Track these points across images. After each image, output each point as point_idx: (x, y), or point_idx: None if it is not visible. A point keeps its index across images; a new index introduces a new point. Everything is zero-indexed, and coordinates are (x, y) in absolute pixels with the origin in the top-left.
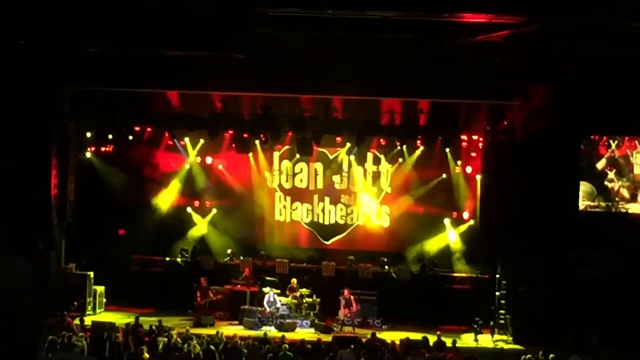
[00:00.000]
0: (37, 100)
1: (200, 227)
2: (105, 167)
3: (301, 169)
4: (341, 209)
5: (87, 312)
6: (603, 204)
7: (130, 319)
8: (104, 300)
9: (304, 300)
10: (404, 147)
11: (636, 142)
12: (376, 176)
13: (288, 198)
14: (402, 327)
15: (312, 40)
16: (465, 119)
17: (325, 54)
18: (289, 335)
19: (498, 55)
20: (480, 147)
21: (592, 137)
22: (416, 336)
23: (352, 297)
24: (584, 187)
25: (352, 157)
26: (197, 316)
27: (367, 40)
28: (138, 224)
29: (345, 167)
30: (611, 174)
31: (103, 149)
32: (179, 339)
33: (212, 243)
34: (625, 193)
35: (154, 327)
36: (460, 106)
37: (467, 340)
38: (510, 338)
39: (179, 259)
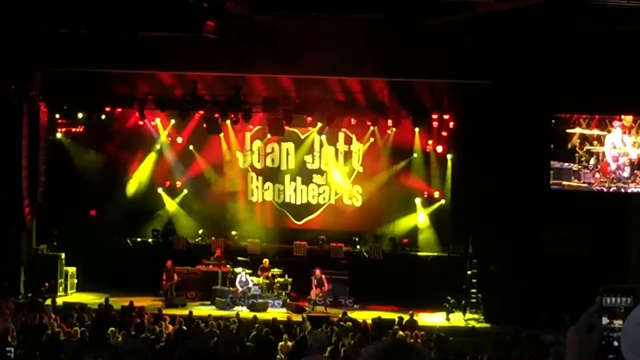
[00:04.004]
0: (7, 82)
1: (171, 207)
2: (76, 148)
3: (272, 149)
4: (313, 189)
5: (59, 294)
6: (576, 183)
7: (102, 300)
8: (76, 281)
9: (276, 280)
10: (375, 126)
11: (607, 120)
12: (348, 156)
13: (260, 178)
14: (374, 307)
15: (285, 19)
16: (436, 98)
17: (297, 34)
18: (261, 315)
19: (469, 34)
20: (451, 127)
21: (562, 115)
22: (388, 315)
23: (323, 276)
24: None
25: (323, 137)
26: (166, 298)
27: (340, 20)
28: (109, 204)
29: (316, 146)
30: (582, 152)
31: (74, 129)
32: (150, 320)
33: (183, 223)
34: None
35: (125, 308)
36: (431, 85)
37: (438, 319)
38: (482, 317)
39: (150, 240)
